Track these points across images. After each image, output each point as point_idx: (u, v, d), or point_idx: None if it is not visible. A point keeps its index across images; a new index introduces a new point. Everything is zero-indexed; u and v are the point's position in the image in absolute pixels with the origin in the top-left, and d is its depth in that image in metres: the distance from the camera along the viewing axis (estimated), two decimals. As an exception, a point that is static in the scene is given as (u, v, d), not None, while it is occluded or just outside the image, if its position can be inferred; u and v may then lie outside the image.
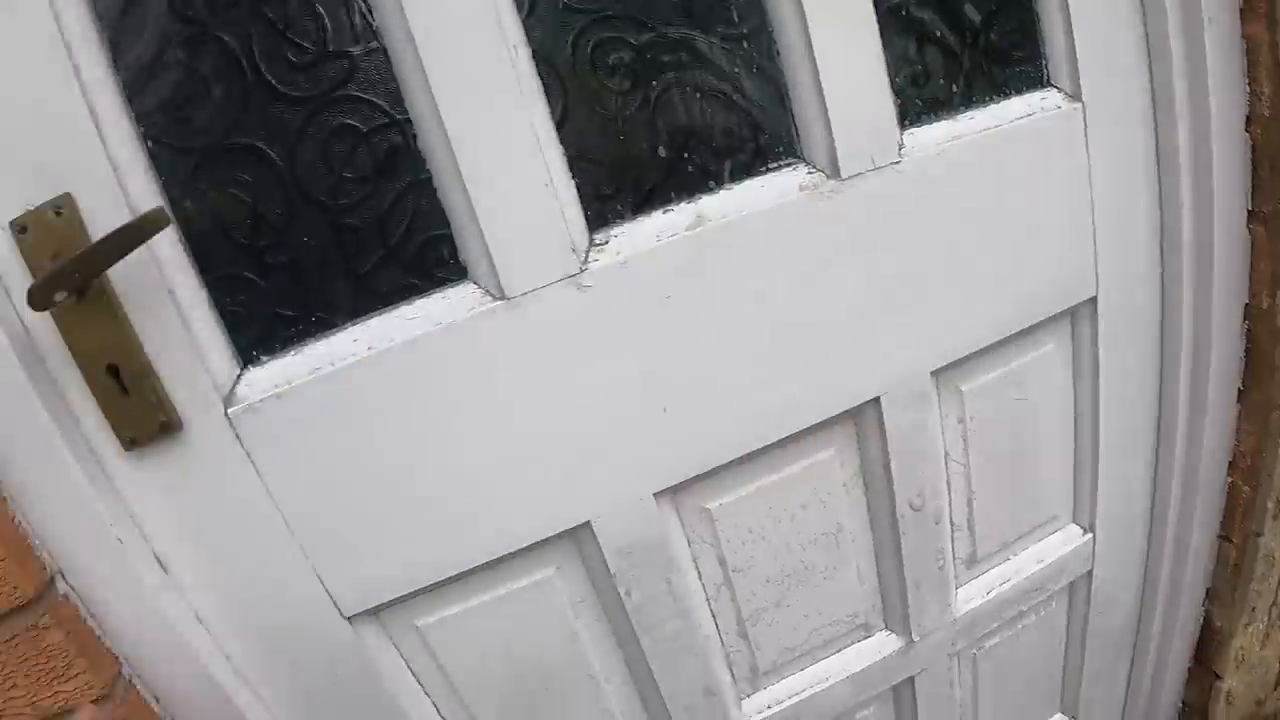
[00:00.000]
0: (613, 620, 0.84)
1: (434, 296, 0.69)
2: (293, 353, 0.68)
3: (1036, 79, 0.85)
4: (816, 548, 0.88)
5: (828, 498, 0.86)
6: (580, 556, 0.80)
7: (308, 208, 0.66)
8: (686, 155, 0.72)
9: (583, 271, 0.68)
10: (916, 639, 0.97)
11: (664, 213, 0.72)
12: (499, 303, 0.68)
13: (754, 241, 0.72)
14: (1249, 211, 0.95)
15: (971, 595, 1.01)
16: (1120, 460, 1.04)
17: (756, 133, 0.74)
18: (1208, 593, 1.22)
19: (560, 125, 0.68)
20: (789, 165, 0.75)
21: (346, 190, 0.67)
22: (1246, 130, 0.91)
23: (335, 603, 0.74)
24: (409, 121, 0.65)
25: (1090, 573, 1.09)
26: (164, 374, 0.65)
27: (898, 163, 0.75)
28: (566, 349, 0.70)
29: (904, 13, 0.76)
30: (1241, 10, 0.85)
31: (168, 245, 0.62)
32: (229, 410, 0.66)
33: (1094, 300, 0.92)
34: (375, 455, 0.70)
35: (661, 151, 0.72)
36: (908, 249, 0.78)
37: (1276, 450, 1.05)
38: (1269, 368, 1.01)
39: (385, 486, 0.71)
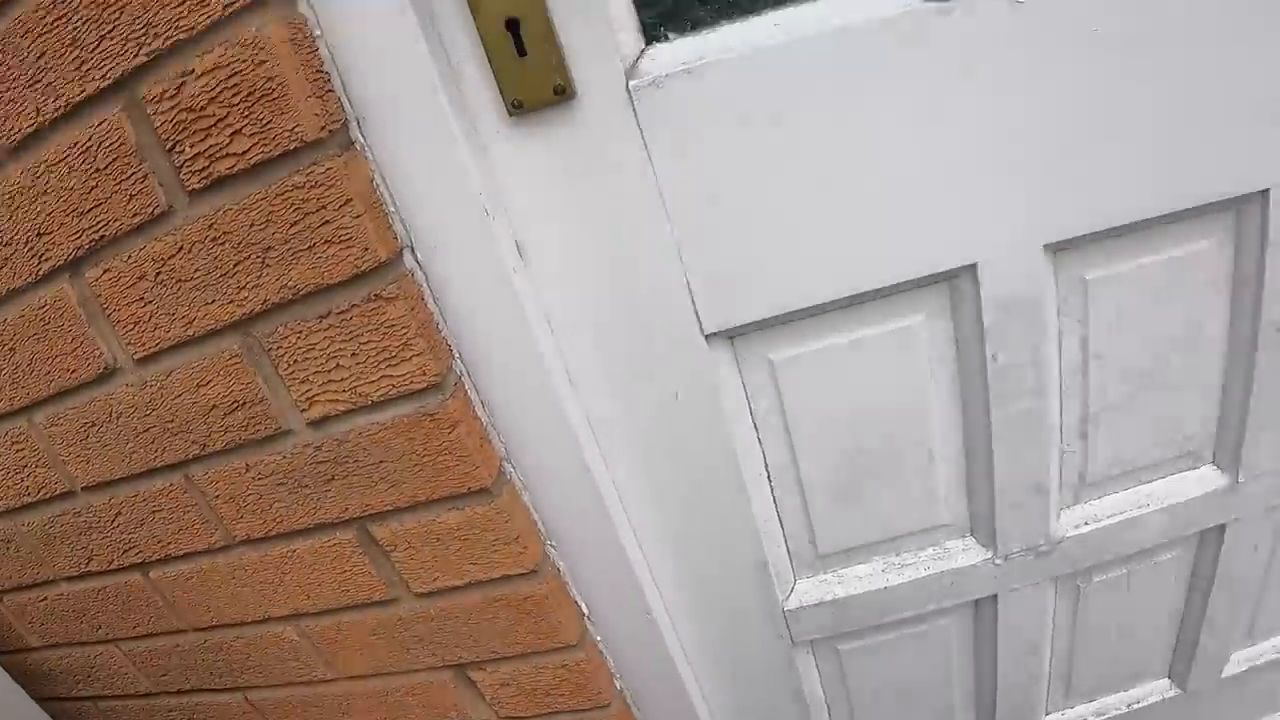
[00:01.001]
0: (968, 387, 0.80)
1: None
2: (706, 31, 0.66)
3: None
4: (1174, 350, 0.82)
5: (1195, 295, 0.79)
6: (952, 305, 0.76)
7: None
8: None
9: None
10: (1242, 480, 0.89)
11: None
12: (933, 2, 0.63)
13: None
14: None
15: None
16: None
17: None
18: None
19: None
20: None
21: None
22: None
23: (698, 315, 0.71)
24: None
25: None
26: (563, 35, 0.62)
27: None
28: (991, 66, 0.66)
29: None
30: None
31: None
32: (630, 83, 0.64)
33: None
34: (771, 157, 0.68)
35: None
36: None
37: None
38: None
39: (773, 193, 0.68)
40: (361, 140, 0.63)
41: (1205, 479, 0.91)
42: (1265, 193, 0.74)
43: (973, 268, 0.72)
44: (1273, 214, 0.75)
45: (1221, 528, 0.94)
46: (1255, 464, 0.89)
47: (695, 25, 0.66)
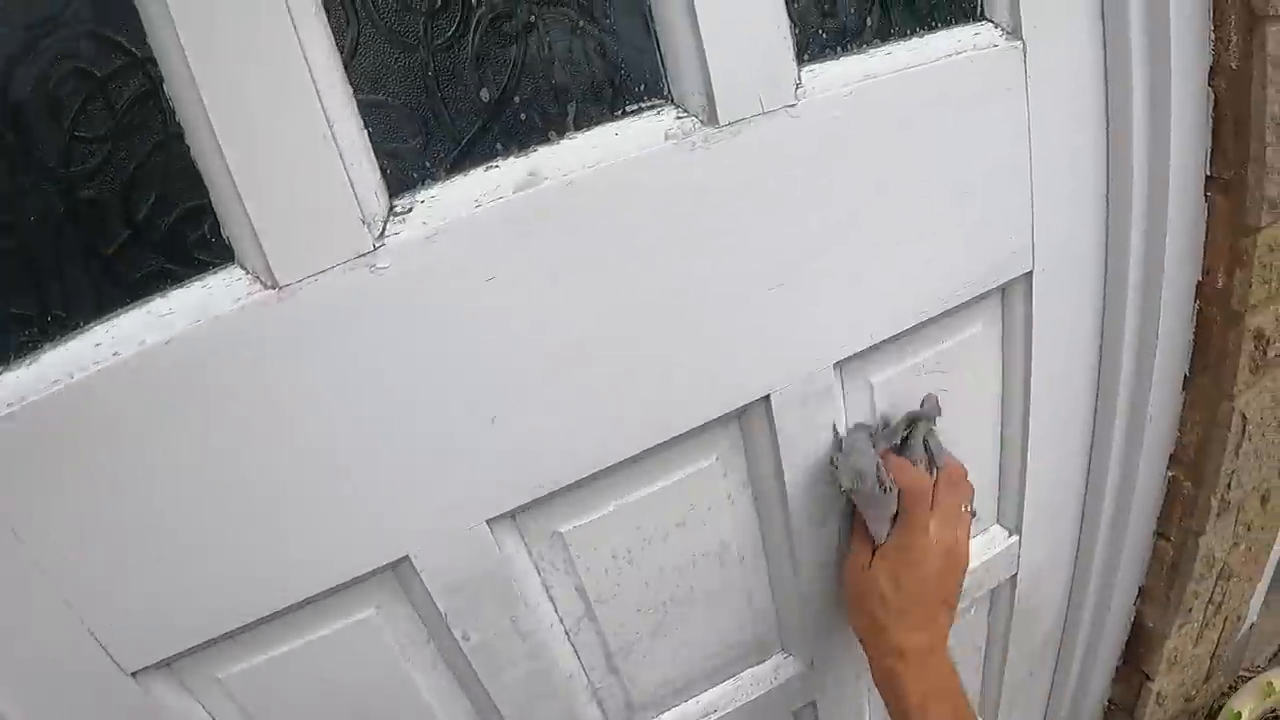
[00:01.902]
0: (452, 664, 0.70)
1: (193, 286, 0.52)
2: (27, 363, 0.51)
3: (969, 11, 0.70)
4: (698, 569, 0.75)
5: (708, 513, 0.73)
6: (405, 592, 0.65)
7: (34, 178, 0.49)
8: (518, 97, 0.56)
9: (377, 249, 0.52)
10: (818, 664, 0.85)
11: (486, 170, 0.56)
12: (271, 292, 0.50)
13: (605, 204, 0.57)
14: (1207, 178, 0.82)
15: None
16: (1052, 455, 0.93)
17: (611, 68, 0.58)
18: (1140, 591, 1.13)
19: (350, 59, 0.50)
20: (653, 109, 0.59)
21: (81, 153, 0.49)
22: (1210, 84, 0.77)
23: (112, 657, 0.58)
24: (154, 60, 0.47)
25: (1015, 577, 0.99)
26: None
27: (793, 105, 0.60)
28: (360, 349, 0.54)
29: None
30: (1207, -54, 0.70)
31: None
32: None
33: (1029, 276, 0.79)
34: (134, 485, 0.53)
35: (485, 94, 0.55)
36: (804, 212, 0.64)
37: (1224, 443, 0.94)
38: (1220, 353, 0.90)
39: (152, 521, 0.55)
40: None
41: (780, 668, 0.86)
42: (766, 399, 0.69)
43: (406, 560, 0.62)
44: (778, 416, 0.70)
45: (813, 704, 0.90)
46: (827, 646, 0.85)
47: (19, 352, 0.51)
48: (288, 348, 0.52)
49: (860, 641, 0.73)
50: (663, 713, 0.82)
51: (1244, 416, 0.93)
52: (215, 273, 0.52)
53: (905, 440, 0.73)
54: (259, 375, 0.52)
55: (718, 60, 0.57)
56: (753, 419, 0.71)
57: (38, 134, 0.48)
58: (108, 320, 0.52)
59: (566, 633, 0.73)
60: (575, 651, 0.74)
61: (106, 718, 0.61)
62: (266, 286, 0.51)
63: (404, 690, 0.69)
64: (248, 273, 0.52)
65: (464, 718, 0.74)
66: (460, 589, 0.64)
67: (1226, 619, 1.23)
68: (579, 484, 0.65)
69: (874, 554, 0.70)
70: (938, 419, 0.74)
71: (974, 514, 0.74)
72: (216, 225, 0.51)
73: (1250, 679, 1.40)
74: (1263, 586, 1.30)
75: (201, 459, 0.53)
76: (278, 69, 0.46)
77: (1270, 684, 1.22)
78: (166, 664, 0.61)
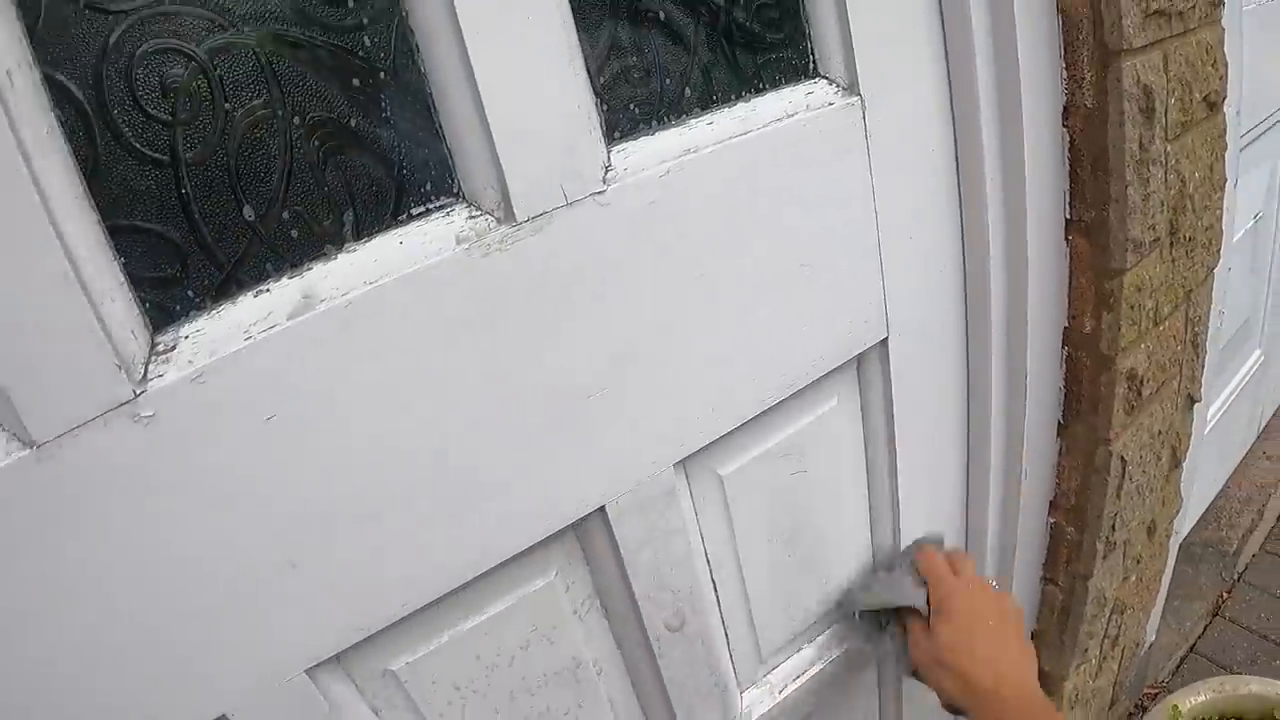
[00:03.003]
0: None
1: None
2: None
3: (801, 68, 0.65)
4: (551, 689, 0.68)
5: (554, 631, 0.65)
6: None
7: None
8: (286, 212, 0.47)
9: (138, 396, 0.43)
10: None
11: (255, 296, 0.47)
12: (30, 452, 0.41)
13: (392, 322, 0.49)
14: (1067, 221, 0.79)
15: (758, 700, 0.84)
16: (924, 516, 0.88)
17: (393, 167, 0.50)
18: (1033, 636, 1.10)
19: (90, 179, 0.41)
20: (442, 209, 0.52)
21: None
22: (1064, 124, 0.74)
23: None
24: None
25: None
26: None
27: (601, 192, 0.53)
28: (132, 508, 0.45)
29: (602, -16, 0.54)
30: (1056, -22, 0.67)
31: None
32: None
33: (884, 343, 0.75)
34: None
35: (249, 211, 0.46)
36: (622, 309, 0.57)
37: (1104, 487, 0.92)
38: (1092, 398, 0.88)
39: None
40: None
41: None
42: (602, 509, 0.62)
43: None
44: (617, 526, 0.63)
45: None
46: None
47: None
48: (52, 512, 0.43)
49: (961, 712, 0.72)
50: None
51: (1123, 460, 0.91)
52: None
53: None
54: (26, 546, 0.43)
55: (510, 150, 0.50)
56: (590, 531, 0.63)
57: None
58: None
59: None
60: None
61: None
62: (25, 445, 0.42)
63: None
64: (4, 430, 0.42)
65: None
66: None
67: (1125, 649, 1.22)
68: (405, 620, 0.57)
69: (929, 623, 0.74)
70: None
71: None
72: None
73: (1155, 695, 1.40)
74: (1158, 610, 1.30)
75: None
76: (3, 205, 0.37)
77: (1175, 707, 1.22)
78: None
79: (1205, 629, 1.53)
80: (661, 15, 0.57)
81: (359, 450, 0.50)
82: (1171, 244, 0.84)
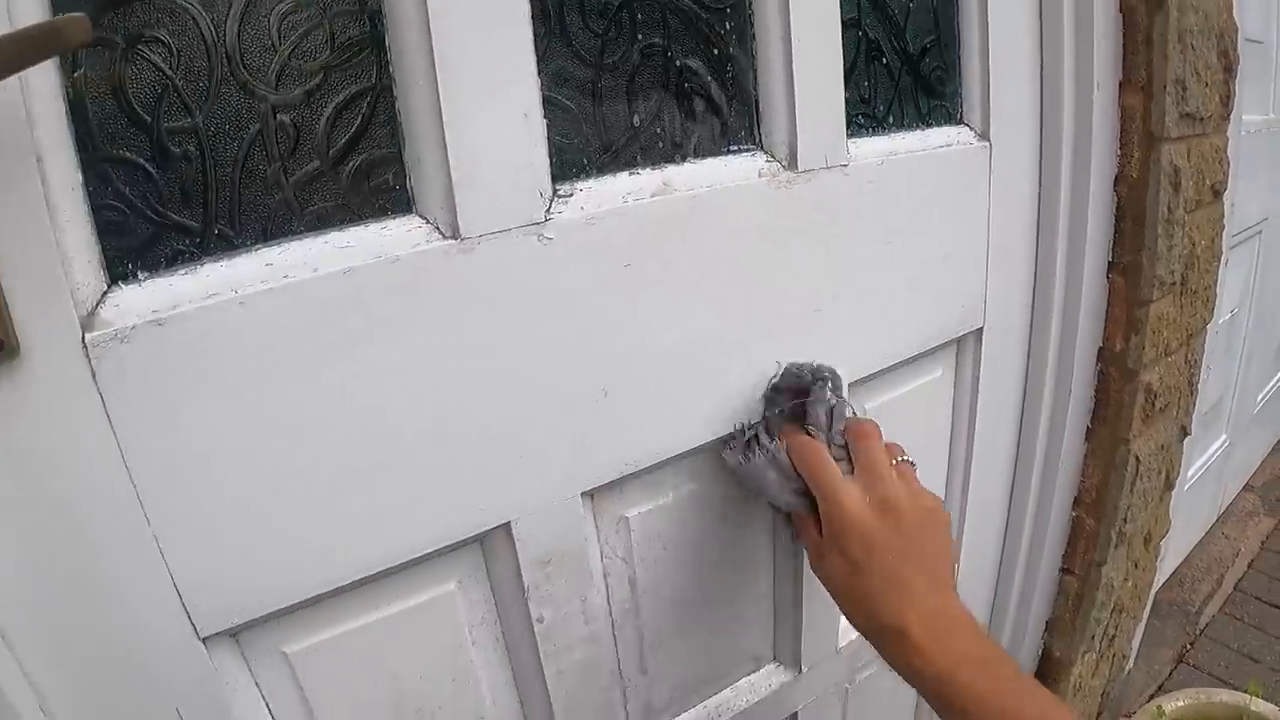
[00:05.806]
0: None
1: (371, 227, 0.58)
2: (184, 272, 0.53)
3: (953, 115, 0.92)
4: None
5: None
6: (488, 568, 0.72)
7: (236, 90, 0.53)
8: (658, 125, 0.71)
9: (548, 221, 0.63)
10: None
11: (630, 175, 0.70)
12: (450, 242, 0.59)
13: (714, 219, 0.71)
14: (1109, 262, 1.07)
15: None
16: (980, 500, 1.10)
17: (721, 114, 0.74)
18: (1047, 625, 1.31)
19: (541, 58, 0.61)
20: (748, 151, 0.76)
21: (290, 78, 0.54)
22: (1115, 189, 1.03)
23: (190, 616, 0.57)
24: (380, 13, 0.55)
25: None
26: (6, 273, 0.46)
27: (845, 166, 0.78)
28: (510, 309, 0.63)
29: (859, 30, 0.81)
30: (1121, 83, 0.97)
31: (48, 96, 0.46)
32: (87, 336, 0.49)
33: (980, 332, 0.99)
34: (265, 415, 0.55)
35: (635, 116, 0.69)
36: (849, 248, 0.81)
37: (1121, 482, 1.16)
38: (1117, 405, 1.13)
39: (265, 468, 0.56)
40: None
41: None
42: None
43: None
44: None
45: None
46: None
47: (174, 260, 0.53)
48: (461, 296, 0.60)
49: (876, 647, 0.64)
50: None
51: (1138, 459, 1.15)
52: (395, 218, 0.59)
53: (800, 411, 0.71)
54: (423, 318, 0.59)
55: (804, 121, 0.74)
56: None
57: (253, 48, 0.52)
58: (280, 244, 0.55)
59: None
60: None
61: (170, 685, 0.58)
62: (445, 236, 0.59)
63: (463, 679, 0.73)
64: (428, 222, 0.59)
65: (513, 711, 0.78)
66: (545, 560, 0.73)
67: (1115, 655, 1.43)
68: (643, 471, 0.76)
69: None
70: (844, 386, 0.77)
71: (913, 464, 0.68)
72: (401, 176, 0.59)
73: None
74: (1141, 628, 1.52)
75: (343, 397, 0.57)
76: (498, 50, 0.58)
77: (1160, 707, 1.42)
78: (235, 633, 0.60)
79: (1171, 672, 1.74)
80: (883, 57, 0.84)
81: (675, 307, 0.71)
82: (1182, 291, 1.12)
